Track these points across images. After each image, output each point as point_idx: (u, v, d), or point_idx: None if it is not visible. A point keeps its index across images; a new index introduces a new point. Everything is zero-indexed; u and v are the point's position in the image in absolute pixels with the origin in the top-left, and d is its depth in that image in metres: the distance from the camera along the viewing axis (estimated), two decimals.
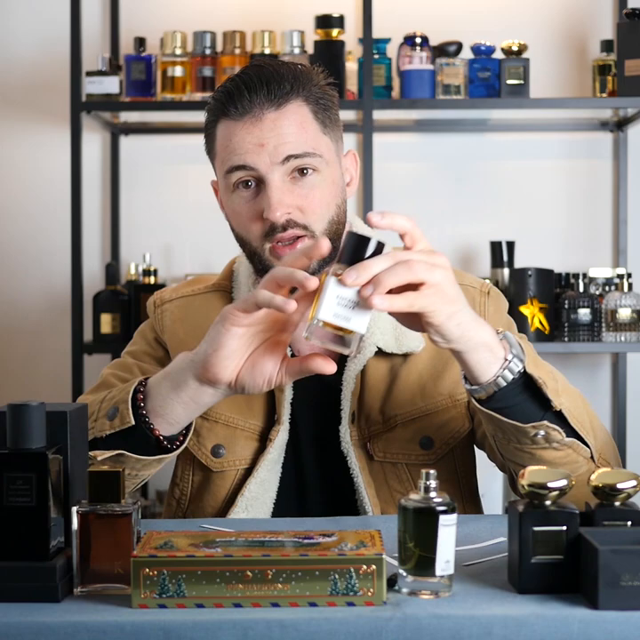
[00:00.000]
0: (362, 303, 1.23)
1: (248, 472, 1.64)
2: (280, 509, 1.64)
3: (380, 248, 1.25)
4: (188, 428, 1.50)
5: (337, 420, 1.63)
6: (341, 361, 1.65)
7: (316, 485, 1.66)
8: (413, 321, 1.33)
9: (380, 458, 1.63)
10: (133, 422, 1.46)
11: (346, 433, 1.62)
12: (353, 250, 1.24)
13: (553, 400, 1.41)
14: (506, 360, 1.38)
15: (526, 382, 1.40)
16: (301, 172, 1.57)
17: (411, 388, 1.63)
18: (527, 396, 1.41)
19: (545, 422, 1.40)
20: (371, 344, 1.62)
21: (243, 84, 1.56)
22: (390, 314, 1.36)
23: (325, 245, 1.29)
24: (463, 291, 1.69)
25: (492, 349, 1.37)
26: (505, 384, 1.38)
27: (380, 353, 1.63)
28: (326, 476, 1.65)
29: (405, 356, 1.64)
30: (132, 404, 1.47)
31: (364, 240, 1.25)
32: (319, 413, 1.65)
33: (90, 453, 1.44)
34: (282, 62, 1.62)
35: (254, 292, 1.32)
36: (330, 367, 1.32)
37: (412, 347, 1.63)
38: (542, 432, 1.40)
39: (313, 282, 1.27)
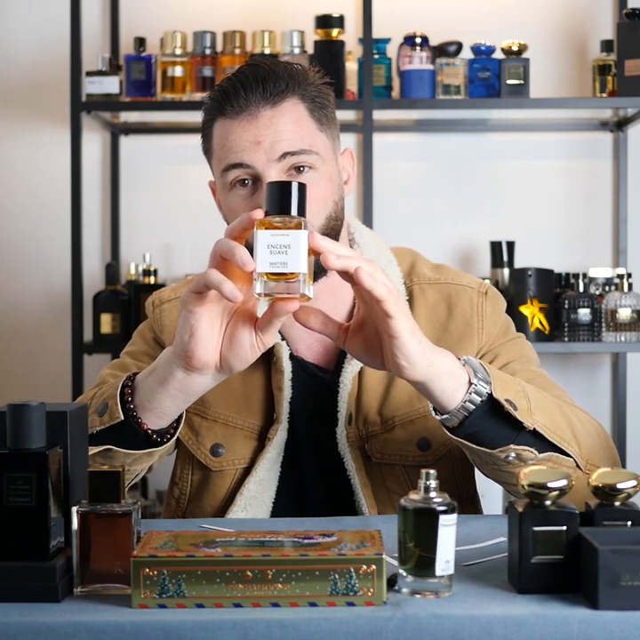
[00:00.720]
0: (296, 243, 1.25)
1: (247, 471, 1.64)
2: (279, 509, 1.64)
3: (302, 189, 1.29)
4: (178, 422, 1.50)
5: (334, 420, 1.63)
6: (339, 362, 1.65)
7: (314, 485, 1.66)
8: (375, 351, 1.36)
9: (377, 459, 1.63)
10: (122, 417, 1.46)
11: (342, 434, 1.62)
12: (278, 197, 1.28)
13: (524, 421, 1.42)
14: (471, 384, 1.39)
15: (495, 405, 1.41)
16: (298, 169, 1.57)
17: (408, 390, 1.63)
18: (498, 418, 1.42)
19: (511, 446, 1.42)
20: None
21: (239, 83, 1.57)
22: (349, 350, 1.40)
23: (249, 266, 1.29)
24: (461, 291, 1.69)
25: (455, 375, 1.38)
26: (473, 408, 1.40)
27: None
28: (324, 477, 1.65)
29: None
30: (120, 400, 1.47)
31: (286, 185, 1.28)
32: (317, 414, 1.65)
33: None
34: (277, 61, 1.62)
35: (205, 272, 1.33)
36: (291, 305, 1.32)
37: None
38: (512, 454, 1.42)
39: (250, 266, 1.28)
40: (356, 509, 1.62)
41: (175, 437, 1.51)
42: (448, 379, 1.38)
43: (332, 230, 1.60)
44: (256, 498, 1.62)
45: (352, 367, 1.62)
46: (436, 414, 1.43)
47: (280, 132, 1.56)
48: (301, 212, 1.28)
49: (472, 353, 1.64)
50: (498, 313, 1.70)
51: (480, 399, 1.39)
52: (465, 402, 1.39)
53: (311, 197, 1.56)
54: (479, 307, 1.67)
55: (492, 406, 1.41)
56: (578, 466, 1.48)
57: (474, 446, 1.42)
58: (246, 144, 1.55)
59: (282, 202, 1.27)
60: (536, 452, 1.43)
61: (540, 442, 1.44)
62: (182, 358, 1.40)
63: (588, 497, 1.49)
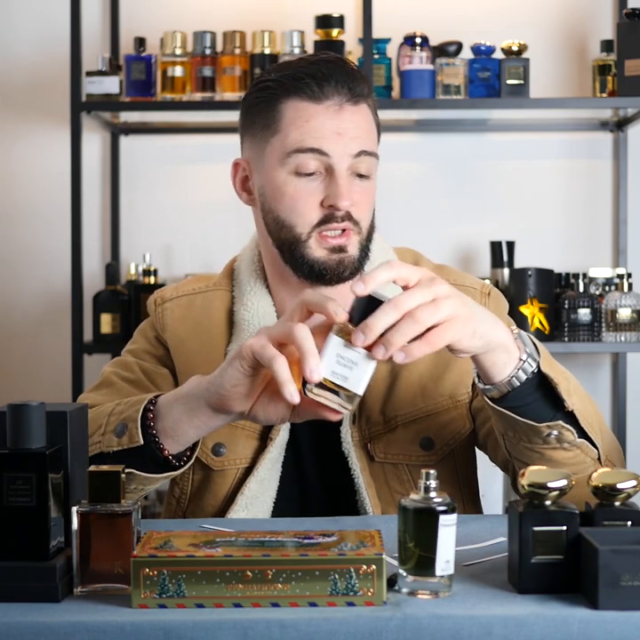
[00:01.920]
0: (363, 363, 1.23)
1: (248, 471, 1.64)
2: (280, 508, 1.64)
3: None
4: (194, 444, 1.49)
5: (337, 422, 1.63)
6: None
7: (316, 485, 1.66)
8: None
9: (380, 459, 1.63)
10: (142, 442, 1.45)
11: (347, 434, 1.62)
12: (362, 312, 1.24)
13: (566, 400, 1.40)
14: (520, 360, 1.37)
15: (540, 382, 1.40)
16: (360, 176, 1.60)
17: (411, 389, 1.63)
18: (540, 395, 1.40)
19: (559, 422, 1.40)
20: None
21: (327, 71, 1.58)
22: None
23: (342, 317, 1.29)
24: (463, 292, 1.69)
25: (508, 350, 1.36)
26: (519, 384, 1.38)
27: None
28: (326, 476, 1.65)
29: None
30: (141, 423, 1.46)
31: (375, 302, 1.24)
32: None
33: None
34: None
35: (274, 358, 1.30)
36: (337, 417, 1.33)
37: None
38: (555, 432, 1.40)
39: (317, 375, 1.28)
40: (358, 509, 1.62)
41: (191, 462, 1.50)
42: (501, 352, 1.36)
43: (371, 235, 1.64)
44: (257, 497, 1.62)
45: None
46: (480, 382, 1.41)
47: (360, 130, 1.59)
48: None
49: None
50: (501, 313, 1.70)
51: (526, 376, 1.38)
52: (511, 377, 1.37)
53: (365, 201, 1.61)
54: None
55: (537, 382, 1.39)
56: (599, 459, 1.47)
57: (519, 419, 1.39)
58: (328, 132, 1.56)
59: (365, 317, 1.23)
60: (576, 434, 1.42)
61: (574, 427, 1.43)
62: (216, 399, 1.39)
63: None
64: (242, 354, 1.34)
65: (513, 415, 1.40)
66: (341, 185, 1.56)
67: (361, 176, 1.60)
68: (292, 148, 1.57)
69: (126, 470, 1.44)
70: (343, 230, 1.58)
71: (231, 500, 1.64)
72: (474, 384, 1.63)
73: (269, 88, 1.60)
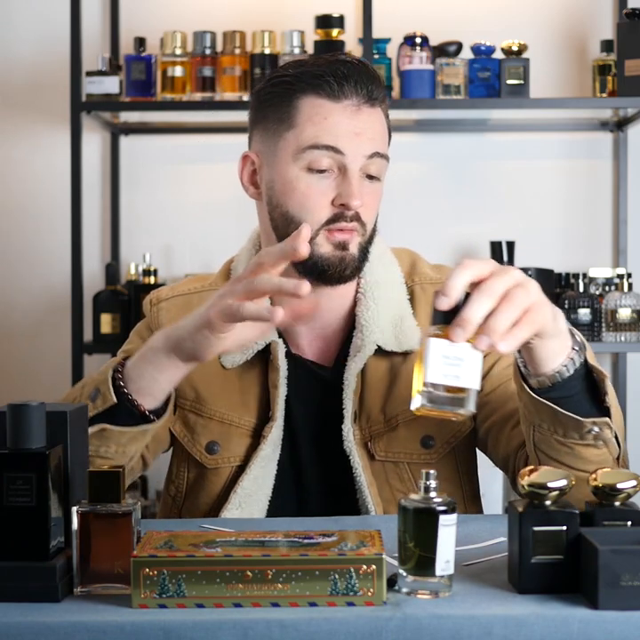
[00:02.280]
0: (470, 357, 1.19)
1: (242, 469, 1.64)
2: (276, 507, 1.64)
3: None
4: (169, 398, 1.52)
5: (337, 418, 1.63)
6: (339, 359, 1.66)
7: (315, 484, 1.66)
8: None
9: (381, 457, 1.63)
10: (116, 401, 1.47)
11: (349, 432, 1.62)
12: (445, 315, 1.20)
13: (609, 394, 1.39)
14: (573, 349, 1.35)
15: (585, 374, 1.38)
16: (370, 178, 1.60)
17: (411, 388, 1.63)
18: (582, 388, 1.38)
19: (606, 419, 1.38)
20: (371, 342, 1.62)
21: (348, 71, 1.58)
22: None
23: (305, 250, 1.31)
24: None
25: (563, 338, 1.34)
26: (568, 374, 1.35)
27: (380, 351, 1.63)
28: (326, 475, 1.65)
29: (405, 354, 1.64)
30: (112, 384, 1.48)
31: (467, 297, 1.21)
32: (317, 412, 1.65)
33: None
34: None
35: (241, 305, 1.34)
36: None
37: (411, 345, 1.63)
38: (597, 429, 1.38)
39: (305, 287, 1.30)
40: (358, 508, 1.62)
41: (167, 414, 1.52)
42: (561, 339, 1.33)
43: (372, 239, 1.64)
44: (250, 496, 1.63)
45: (356, 364, 1.62)
46: (524, 369, 1.37)
47: (375, 132, 1.60)
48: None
49: None
50: None
51: (574, 366, 1.35)
52: (563, 366, 1.34)
53: (373, 203, 1.62)
54: None
55: (583, 374, 1.37)
56: (617, 458, 1.45)
57: (563, 411, 1.37)
58: (345, 131, 1.57)
59: (453, 311, 1.19)
60: (613, 432, 1.40)
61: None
62: (188, 356, 1.44)
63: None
64: (210, 323, 1.38)
65: (556, 407, 1.37)
66: (354, 184, 1.57)
67: (371, 177, 1.60)
68: (307, 143, 1.57)
69: (99, 425, 1.46)
70: (351, 229, 1.59)
71: (225, 498, 1.64)
72: None
73: (286, 83, 1.60)
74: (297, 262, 1.60)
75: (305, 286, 1.32)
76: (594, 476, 1.20)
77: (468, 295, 1.20)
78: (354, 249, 1.60)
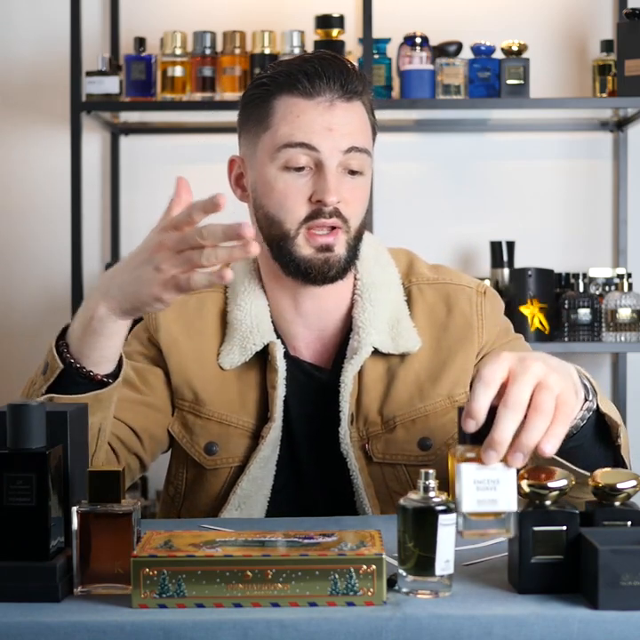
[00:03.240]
0: (505, 478, 1.12)
1: (241, 470, 1.64)
2: (275, 508, 1.64)
3: (491, 413, 1.14)
4: (119, 366, 1.47)
5: (334, 420, 1.63)
6: (337, 361, 1.66)
7: (313, 485, 1.66)
8: None
9: (378, 459, 1.63)
10: (61, 366, 1.43)
11: (346, 434, 1.62)
12: (482, 428, 1.14)
13: (620, 437, 1.37)
14: (587, 400, 1.31)
15: (596, 419, 1.34)
16: (352, 172, 1.60)
17: (409, 389, 1.63)
18: (594, 430, 1.35)
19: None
20: (367, 344, 1.62)
21: (320, 68, 1.58)
22: None
23: (222, 202, 1.31)
24: (459, 291, 1.70)
25: (579, 391, 1.27)
26: (582, 424, 1.32)
27: (377, 353, 1.63)
28: (324, 477, 1.65)
29: (402, 356, 1.64)
30: (57, 352, 1.44)
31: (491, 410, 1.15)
32: (316, 414, 1.65)
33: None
34: (350, 61, 1.65)
35: (189, 277, 1.31)
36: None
37: (408, 347, 1.63)
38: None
39: (247, 229, 1.31)
40: (356, 509, 1.62)
41: (120, 379, 1.46)
42: (580, 395, 1.27)
43: (360, 234, 1.62)
44: (249, 497, 1.63)
45: (352, 366, 1.62)
46: None
47: (352, 126, 1.59)
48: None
49: (473, 352, 1.65)
50: (497, 313, 1.70)
51: (589, 414, 1.32)
52: (578, 418, 1.31)
53: (357, 199, 1.60)
54: (478, 306, 1.67)
55: (594, 419, 1.34)
56: None
57: (575, 469, 1.33)
58: (318, 128, 1.57)
59: (482, 431, 1.13)
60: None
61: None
62: (129, 314, 1.40)
63: None
64: (158, 299, 1.36)
65: (570, 466, 1.33)
66: (329, 180, 1.56)
67: (353, 172, 1.59)
68: (282, 142, 1.58)
69: (48, 395, 1.43)
70: (332, 228, 1.58)
71: (224, 498, 1.64)
72: (471, 382, 1.64)
73: (264, 85, 1.61)
74: (282, 263, 1.60)
75: (254, 247, 1.30)
76: (594, 475, 1.20)
77: (492, 408, 1.14)
78: (340, 249, 1.59)
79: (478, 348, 1.66)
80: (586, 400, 1.31)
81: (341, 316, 1.67)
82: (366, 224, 1.66)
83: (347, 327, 1.67)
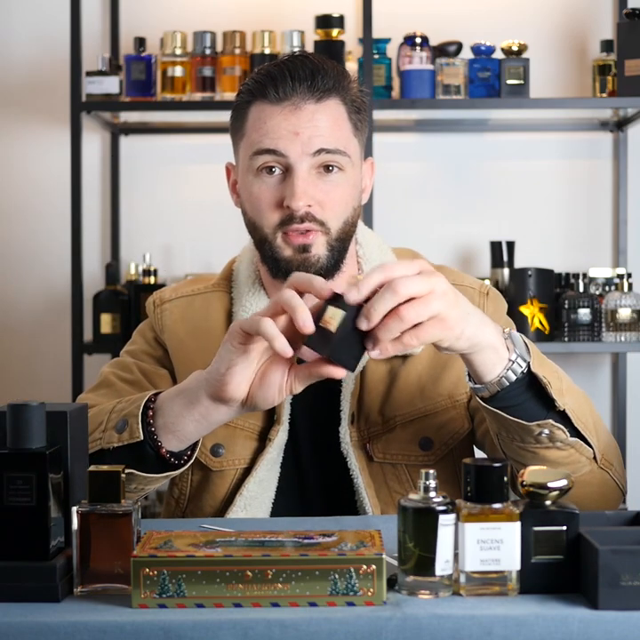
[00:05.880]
0: (509, 536, 1.14)
1: (247, 472, 1.64)
2: (279, 509, 1.64)
3: (503, 469, 1.16)
4: (194, 446, 1.49)
5: (336, 420, 1.63)
6: None
7: (315, 485, 1.66)
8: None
9: (379, 459, 1.63)
10: (142, 437, 1.45)
11: (345, 434, 1.62)
12: (485, 484, 1.16)
13: (557, 400, 1.41)
14: (510, 360, 1.37)
15: (530, 381, 1.40)
16: (327, 168, 1.58)
17: (410, 390, 1.64)
18: (531, 395, 1.40)
19: (550, 421, 1.40)
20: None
21: (288, 71, 1.58)
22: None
23: (327, 292, 1.27)
24: (462, 291, 1.69)
25: (497, 350, 1.36)
26: (508, 384, 1.38)
27: None
28: (326, 477, 1.65)
29: (404, 357, 1.64)
30: (142, 419, 1.45)
31: (489, 470, 1.16)
32: (318, 414, 1.65)
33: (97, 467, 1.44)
34: (326, 58, 1.64)
35: (260, 320, 1.29)
36: (339, 372, 1.29)
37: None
38: (546, 431, 1.40)
39: (309, 328, 1.25)
40: (357, 509, 1.62)
41: (191, 462, 1.49)
42: (489, 352, 1.36)
43: (346, 235, 1.61)
44: (255, 498, 1.63)
45: None
46: (470, 381, 1.41)
47: (320, 128, 1.57)
48: (506, 494, 1.16)
49: None
50: (500, 313, 1.70)
51: (515, 376, 1.38)
52: (501, 377, 1.37)
53: (335, 199, 1.59)
54: (481, 307, 1.67)
55: (528, 382, 1.40)
56: (595, 458, 1.46)
57: (509, 417, 1.39)
58: (285, 132, 1.57)
59: (487, 489, 1.15)
60: (568, 432, 1.42)
61: (567, 426, 1.43)
62: (213, 386, 1.38)
63: (599, 491, 1.48)
64: (231, 333, 1.34)
65: (503, 414, 1.40)
66: (296, 185, 1.56)
67: (329, 170, 1.58)
68: (252, 150, 1.59)
69: (126, 471, 1.44)
70: (307, 230, 1.57)
71: (230, 500, 1.64)
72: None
73: (242, 93, 1.63)
74: (268, 265, 1.61)
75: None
76: (522, 474, 1.17)
77: None
78: (319, 250, 1.58)
79: None
80: (509, 360, 1.37)
81: None
82: (356, 223, 1.64)
83: None
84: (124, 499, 1.18)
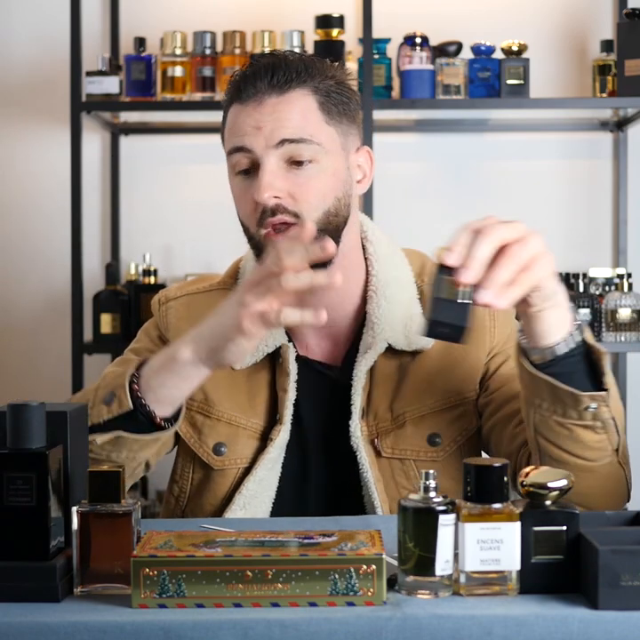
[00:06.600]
0: (509, 536, 1.14)
1: (248, 471, 1.64)
2: (280, 508, 1.64)
3: (503, 469, 1.17)
4: (180, 408, 1.54)
5: (345, 416, 1.63)
6: (348, 358, 1.66)
7: (321, 482, 1.66)
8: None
9: (388, 454, 1.64)
10: (131, 407, 1.48)
11: (356, 428, 1.63)
12: (485, 484, 1.16)
13: (606, 375, 1.40)
14: (576, 324, 1.38)
15: (585, 353, 1.40)
16: (298, 163, 1.57)
17: (420, 386, 1.64)
18: (583, 366, 1.40)
19: (602, 393, 1.39)
20: (381, 340, 1.63)
21: (251, 71, 1.60)
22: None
23: (331, 247, 1.34)
24: None
25: (568, 310, 1.37)
26: (567, 350, 1.38)
27: (390, 350, 1.64)
28: (333, 473, 1.66)
29: (414, 353, 1.65)
30: (129, 389, 1.49)
31: (488, 469, 1.17)
32: (326, 410, 1.66)
33: (89, 437, 1.46)
34: (296, 53, 1.65)
35: (280, 311, 1.37)
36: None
37: (421, 344, 1.64)
38: (594, 405, 1.38)
39: (337, 277, 1.35)
40: (364, 505, 1.62)
41: (179, 423, 1.54)
42: (563, 310, 1.36)
43: (329, 225, 1.59)
44: (255, 497, 1.63)
45: (366, 361, 1.63)
46: (526, 342, 1.40)
47: (281, 120, 1.57)
48: (506, 494, 1.16)
49: (484, 352, 1.65)
50: (509, 316, 1.71)
51: (575, 342, 1.38)
52: (564, 340, 1.37)
53: (309, 190, 1.58)
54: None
55: (584, 351, 1.39)
56: (617, 451, 1.45)
57: (562, 386, 1.38)
58: (248, 128, 1.58)
59: (487, 489, 1.15)
60: (611, 411, 1.40)
61: None
62: (221, 365, 1.46)
63: (613, 487, 1.47)
64: (244, 331, 1.40)
65: (555, 382, 1.39)
66: (260, 177, 1.56)
67: (298, 163, 1.58)
68: (227, 150, 1.63)
69: (115, 432, 1.48)
70: (287, 223, 1.56)
71: (230, 499, 1.64)
72: (482, 380, 1.65)
73: (225, 97, 1.66)
74: (259, 261, 1.62)
75: (337, 277, 1.36)
76: (521, 474, 1.18)
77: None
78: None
79: (489, 347, 1.66)
80: (574, 324, 1.38)
81: (352, 312, 1.67)
82: (343, 214, 1.61)
83: (358, 323, 1.67)
84: (124, 499, 1.18)
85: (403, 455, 1.64)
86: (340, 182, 1.61)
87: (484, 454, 1.71)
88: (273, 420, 1.65)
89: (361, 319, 1.67)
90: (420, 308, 1.67)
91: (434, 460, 1.62)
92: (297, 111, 1.58)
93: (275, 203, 1.55)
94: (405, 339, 1.64)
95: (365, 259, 1.68)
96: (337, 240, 1.60)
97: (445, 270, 1.28)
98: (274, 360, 1.65)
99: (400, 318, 1.64)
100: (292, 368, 1.64)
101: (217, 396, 1.66)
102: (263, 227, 1.57)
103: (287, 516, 1.61)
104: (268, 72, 1.58)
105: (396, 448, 1.64)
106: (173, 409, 1.51)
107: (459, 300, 1.27)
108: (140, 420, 1.49)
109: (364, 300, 1.67)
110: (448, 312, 1.27)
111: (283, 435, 1.63)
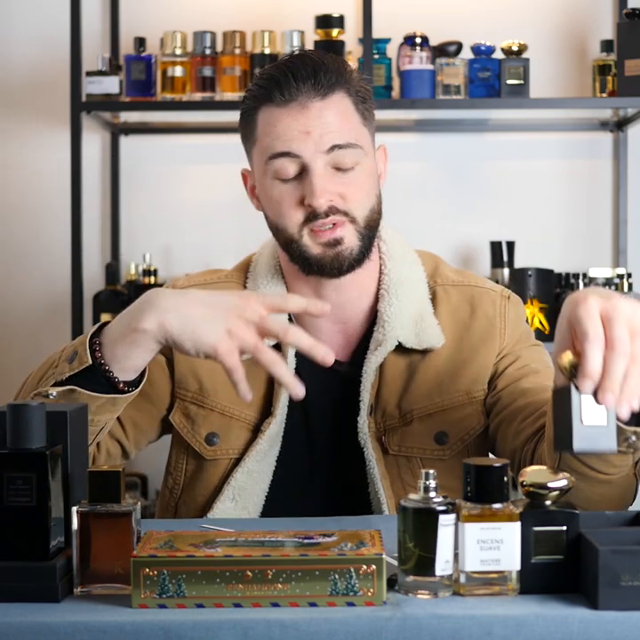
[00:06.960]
0: (510, 536, 1.14)
1: (238, 462, 1.65)
2: (274, 503, 1.64)
3: (503, 469, 1.17)
4: (142, 375, 1.50)
5: (353, 412, 1.64)
6: (357, 353, 1.66)
7: (327, 478, 1.66)
8: None
9: (394, 451, 1.64)
10: (90, 361, 1.46)
11: (364, 424, 1.63)
12: (485, 484, 1.16)
13: None
14: None
15: None
16: (344, 165, 1.59)
17: (428, 384, 1.64)
18: None
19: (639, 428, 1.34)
20: (392, 337, 1.63)
21: (290, 72, 1.59)
22: None
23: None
24: (484, 293, 1.72)
25: None
26: None
27: (400, 348, 1.65)
28: (340, 469, 1.66)
29: (424, 352, 1.65)
30: (90, 348, 1.47)
31: (489, 470, 1.17)
32: (335, 406, 1.67)
33: (45, 389, 1.49)
34: (325, 54, 1.65)
35: (262, 350, 1.40)
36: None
37: (432, 343, 1.64)
38: (634, 438, 1.34)
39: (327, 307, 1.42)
40: (370, 501, 1.63)
41: (139, 389, 1.50)
42: None
43: (374, 222, 1.63)
44: (245, 489, 1.63)
45: (376, 357, 1.63)
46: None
47: (329, 124, 1.58)
48: (506, 494, 1.16)
49: (494, 352, 1.66)
50: (520, 318, 1.72)
51: None
52: None
53: (357, 191, 1.60)
54: (502, 308, 1.69)
55: None
56: (636, 464, 1.42)
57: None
58: (295, 133, 1.58)
59: (487, 489, 1.15)
60: None
61: None
62: (174, 343, 1.42)
63: (623, 495, 1.46)
64: (217, 353, 1.40)
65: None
66: (315, 184, 1.57)
67: (344, 170, 1.60)
68: (267, 155, 1.60)
69: (69, 387, 1.46)
70: (334, 223, 1.59)
71: (220, 490, 1.64)
72: (490, 380, 1.66)
73: (247, 99, 1.64)
74: (298, 263, 1.61)
75: (326, 307, 1.41)
76: (522, 473, 1.17)
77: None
78: (350, 240, 1.60)
79: (499, 348, 1.67)
80: None
81: (365, 309, 1.69)
82: (380, 211, 1.65)
83: (370, 320, 1.68)
84: (124, 499, 1.18)
85: (409, 453, 1.64)
86: (375, 180, 1.65)
87: (490, 455, 1.71)
88: (267, 412, 1.65)
89: (372, 316, 1.68)
90: (431, 308, 1.68)
91: (440, 459, 1.63)
92: (340, 115, 1.60)
93: (328, 205, 1.58)
94: (416, 337, 1.65)
95: (379, 257, 1.70)
96: (374, 237, 1.64)
97: (575, 385, 1.20)
98: None
99: (411, 317, 1.65)
100: (291, 362, 1.64)
101: (212, 385, 1.66)
102: (309, 226, 1.59)
103: (283, 511, 1.61)
104: (310, 74, 1.58)
105: (402, 445, 1.64)
106: (136, 374, 1.49)
107: (607, 425, 1.21)
108: (98, 381, 1.46)
109: (377, 297, 1.68)
110: (595, 438, 1.21)
111: (274, 427, 1.64)
